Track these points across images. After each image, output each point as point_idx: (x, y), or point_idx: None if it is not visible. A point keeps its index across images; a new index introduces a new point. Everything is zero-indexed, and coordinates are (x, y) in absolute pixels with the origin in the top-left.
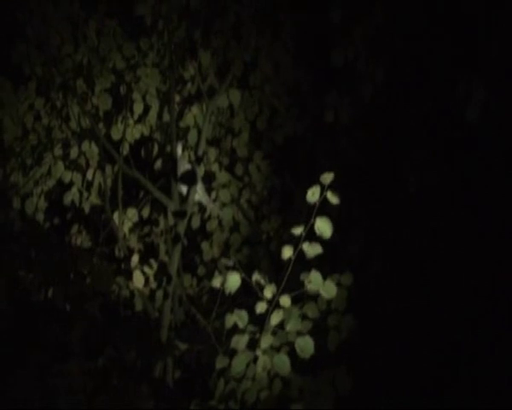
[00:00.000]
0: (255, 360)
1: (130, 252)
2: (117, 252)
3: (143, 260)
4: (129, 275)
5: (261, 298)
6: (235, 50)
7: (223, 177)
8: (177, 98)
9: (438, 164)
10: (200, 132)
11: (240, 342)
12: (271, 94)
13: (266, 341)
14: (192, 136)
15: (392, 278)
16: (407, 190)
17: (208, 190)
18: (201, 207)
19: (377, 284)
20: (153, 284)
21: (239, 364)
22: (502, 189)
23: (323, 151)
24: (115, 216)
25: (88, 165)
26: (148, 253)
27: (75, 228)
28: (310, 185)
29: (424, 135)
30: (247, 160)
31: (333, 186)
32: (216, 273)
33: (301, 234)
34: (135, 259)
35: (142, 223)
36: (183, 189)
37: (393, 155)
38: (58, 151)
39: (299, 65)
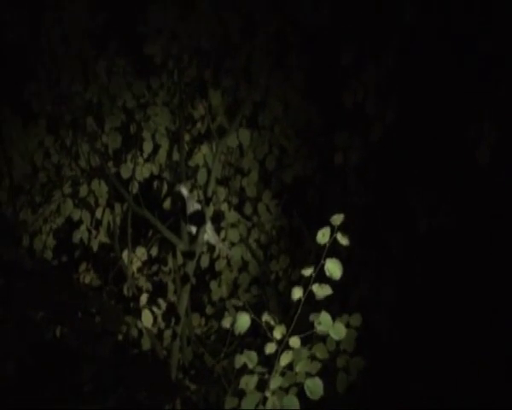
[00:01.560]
0: (264, 401)
1: (139, 291)
2: (125, 291)
3: (152, 300)
4: (137, 314)
5: (270, 339)
6: (245, 90)
7: (232, 216)
8: (187, 137)
9: (448, 205)
10: (209, 172)
11: (249, 382)
12: (281, 134)
13: (275, 382)
14: (201, 175)
15: (402, 318)
16: (417, 231)
17: (217, 230)
18: (210, 247)
19: (387, 325)
20: (161, 324)
21: (248, 405)
22: None
23: (333, 191)
24: (124, 255)
25: (97, 203)
26: (157, 292)
27: (83, 266)
28: (319, 225)
29: (435, 176)
30: (256, 199)
31: (342, 227)
32: (225, 313)
33: (311, 275)
34: (143, 298)
35: (150, 262)
36: (193, 228)
37: (403, 195)
38: (67, 189)
39: (308, 105)
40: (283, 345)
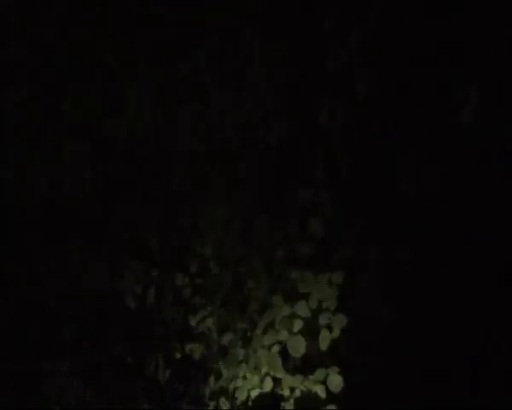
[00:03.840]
0: (247, 358)
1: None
2: (109, 249)
3: (136, 258)
4: (121, 272)
5: (253, 297)
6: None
7: None
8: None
9: (433, 167)
10: None
11: (232, 340)
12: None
13: (258, 339)
14: None
15: (386, 277)
16: (401, 191)
17: None
18: None
19: (370, 285)
20: (145, 282)
21: (230, 362)
22: (497, 190)
23: (317, 151)
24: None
25: (82, 161)
26: (142, 250)
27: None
28: (303, 185)
29: (420, 138)
30: None
31: (326, 186)
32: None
33: (294, 233)
34: (127, 256)
35: None
36: None
37: (388, 156)
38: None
39: (293, 66)
40: (266, 303)
